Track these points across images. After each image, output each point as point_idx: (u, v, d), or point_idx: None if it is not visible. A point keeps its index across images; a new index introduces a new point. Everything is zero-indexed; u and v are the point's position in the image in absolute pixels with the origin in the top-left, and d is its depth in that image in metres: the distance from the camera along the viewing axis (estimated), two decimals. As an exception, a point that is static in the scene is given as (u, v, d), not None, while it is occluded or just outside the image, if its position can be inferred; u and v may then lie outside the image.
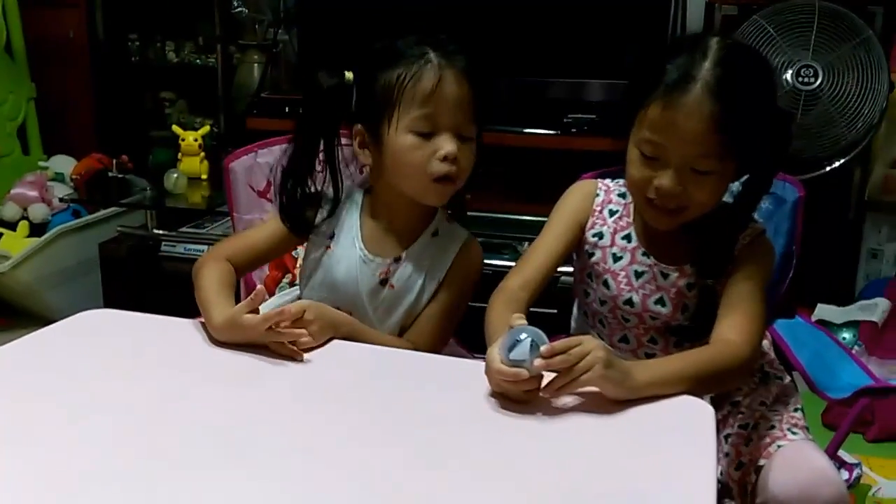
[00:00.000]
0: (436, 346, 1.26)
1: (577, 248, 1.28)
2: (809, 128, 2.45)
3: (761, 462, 1.14)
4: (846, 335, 2.44)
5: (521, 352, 0.94)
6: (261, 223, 1.35)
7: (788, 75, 2.44)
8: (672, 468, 0.86)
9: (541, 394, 0.97)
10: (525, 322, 0.99)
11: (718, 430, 1.19)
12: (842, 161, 2.52)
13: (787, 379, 1.29)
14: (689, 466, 0.86)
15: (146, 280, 2.62)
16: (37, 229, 2.76)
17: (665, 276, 1.20)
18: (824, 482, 1.06)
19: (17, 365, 1.07)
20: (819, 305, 2.54)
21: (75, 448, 0.85)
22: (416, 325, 1.27)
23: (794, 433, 1.17)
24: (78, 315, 1.22)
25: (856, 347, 2.39)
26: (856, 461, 1.24)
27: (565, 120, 2.56)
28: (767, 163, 1.15)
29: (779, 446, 1.14)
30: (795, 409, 1.22)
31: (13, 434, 0.88)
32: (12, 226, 2.76)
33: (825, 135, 2.45)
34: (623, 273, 1.23)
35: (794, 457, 1.11)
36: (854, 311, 2.48)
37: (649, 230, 1.21)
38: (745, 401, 1.22)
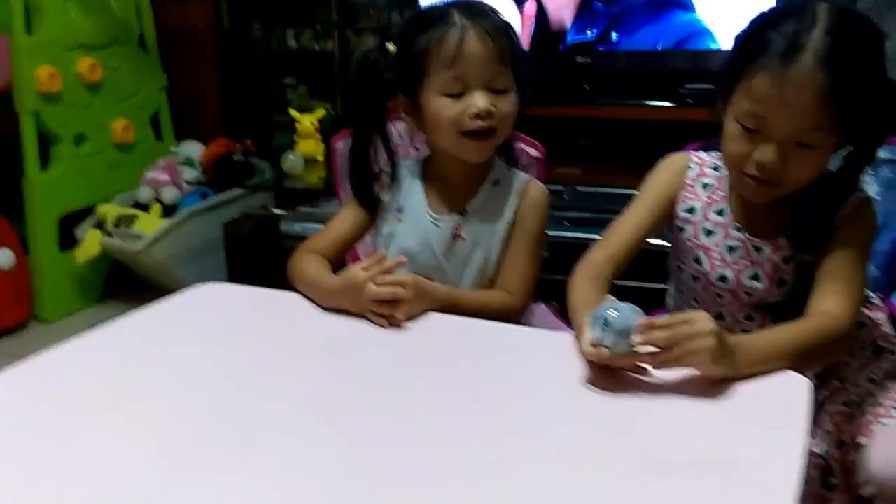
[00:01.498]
0: (527, 288, 1.30)
1: (669, 224, 1.24)
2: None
3: (862, 440, 1.09)
4: None
5: (597, 331, 0.93)
6: (339, 213, 1.42)
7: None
8: (762, 442, 0.84)
9: (641, 364, 0.95)
10: (613, 300, 0.98)
11: (823, 408, 1.15)
12: None
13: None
14: (779, 440, 0.83)
15: (267, 257, 2.73)
16: (168, 211, 2.92)
17: (759, 250, 1.16)
18: None
19: (133, 333, 1.15)
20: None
21: (176, 416, 0.91)
22: (503, 273, 1.31)
23: None
24: (190, 289, 1.29)
25: None
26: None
27: (680, 91, 2.49)
28: (873, 135, 1.09)
29: (882, 425, 1.09)
30: None
31: (112, 401, 0.94)
32: (146, 208, 2.94)
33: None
34: (716, 248, 1.19)
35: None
36: None
37: (744, 203, 1.16)
38: (852, 377, 1.17)
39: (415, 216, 1.34)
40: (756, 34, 1.07)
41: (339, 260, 1.40)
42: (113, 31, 3.07)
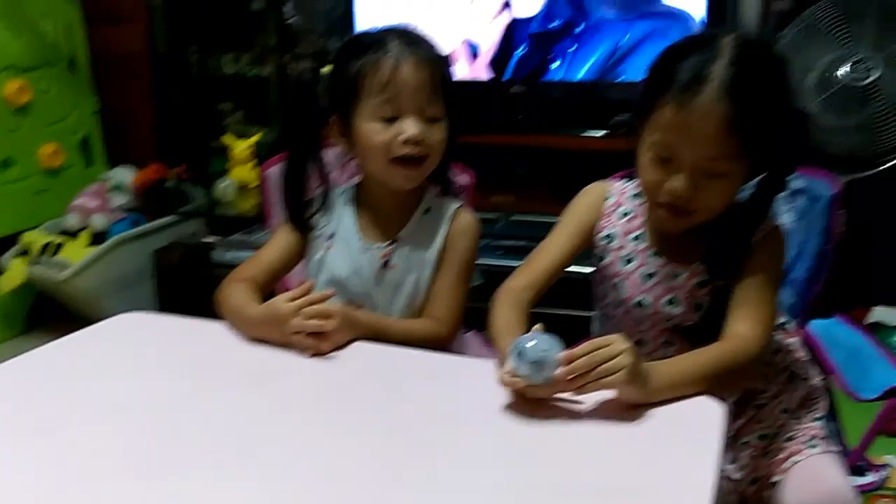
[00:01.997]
0: (455, 316, 1.30)
1: (591, 251, 1.26)
2: (865, 124, 2.37)
3: (776, 478, 1.12)
4: (903, 338, 2.36)
5: (513, 361, 0.94)
6: (270, 240, 1.41)
7: (843, 70, 2.37)
8: (675, 467, 0.85)
9: (561, 394, 0.96)
10: (540, 329, 0.99)
11: (737, 438, 1.17)
12: (901, 157, 2.44)
13: (816, 378, 1.25)
14: (692, 465, 0.84)
15: (198, 286, 2.68)
16: (98, 238, 2.85)
17: (675, 276, 1.18)
18: (838, 502, 1.03)
19: (50, 363, 1.12)
20: (875, 308, 2.46)
21: (92, 447, 0.89)
22: (431, 302, 1.31)
23: (812, 446, 1.14)
24: (112, 319, 1.26)
25: (914, 350, 2.31)
26: (882, 463, 1.19)
27: (612, 121, 2.54)
28: (783, 162, 1.12)
29: (794, 462, 1.12)
30: (817, 419, 1.19)
31: (27, 433, 0.92)
32: (74, 235, 2.86)
33: (882, 131, 2.37)
34: (634, 275, 1.21)
35: (808, 475, 1.09)
36: (913, 314, 2.39)
37: (662, 230, 1.19)
38: (768, 405, 1.20)
39: (345, 243, 1.33)
40: (664, 66, 1.09)
41: (270, 288, 1.37)
42: (43, 52, 3.01)
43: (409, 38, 1.26)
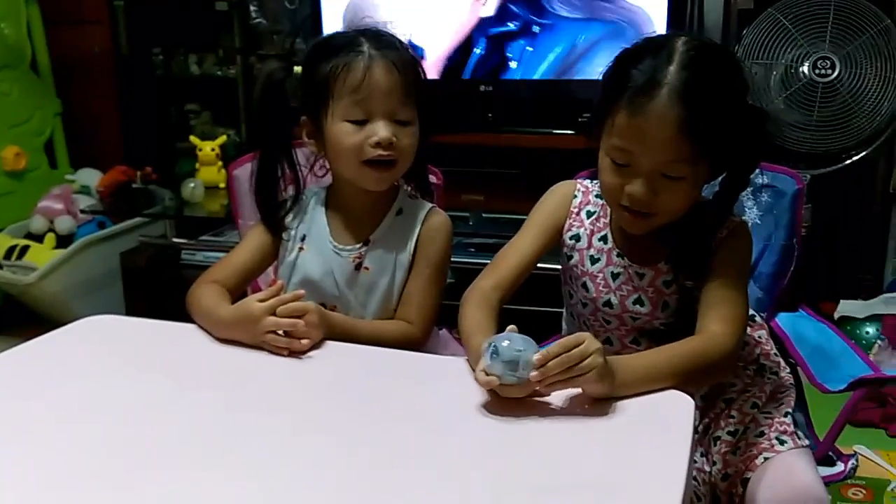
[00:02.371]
0: (426, 318, 1.29)
1: (559, 251, 1.27)
2: (828, 120, 2.42)
3: (748, 475, 1.13)
4: (869, 329, 2.40)
5: (486, 360, 0.95)
6: (242, 242, 1.40)
7: (805, 68, 2.42)
8: (646, 460, 0.86)
9: (535, 388, 0.96)
10: (513, 329, 0.99)
11: (708, 432, 1.19)
12: (863, 153, 2.49)
13: (785, 372, 1.27)
14: (663, 458, 0.85)
15: (166, 288, 2.66)
16: (63, 241, 2.82)
17: (641, 276, 1.19)
18: (809, 500, 1.05)
19: (17, 367, 1.10)
20: (842, 301, 2.50)
21: (59, 450, 0.87)
22: (402, 303, 1.30)
23: (782, 442, 1.15)
24: (79, 321, 1.25)
25: (879, 342, 2.35)
26: (851, 453, 1.21)
27: (580, 119, 2.55)
28: (743, 161, 1.13)
29: (765, 458, 1.13)
30: (786, 414, 1.21)
31: (2, 434, 0.91)
32: (40, 238, 2.83)
33: (845, 127, 2.42)
34: (601, 275, 1.22)
35: (779, 472, 1.10)
36: (878, 305, 2.44)
37: (624, 231, 1.19)
38: (737, 400, 1.20)
39: (318, 245, 1.32)
40: (618, 71, 1.09)
41: (241, 290, 1.36)
42: (3, 55, 2.97)
43: (380, 41, 1.25)
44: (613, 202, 1.13)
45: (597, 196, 1.25)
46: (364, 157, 1.23)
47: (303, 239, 1.34)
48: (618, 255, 1.21)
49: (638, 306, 1.19)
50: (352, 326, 1.23)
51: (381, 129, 1.22)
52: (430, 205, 1.35)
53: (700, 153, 1.05)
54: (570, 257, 1.25)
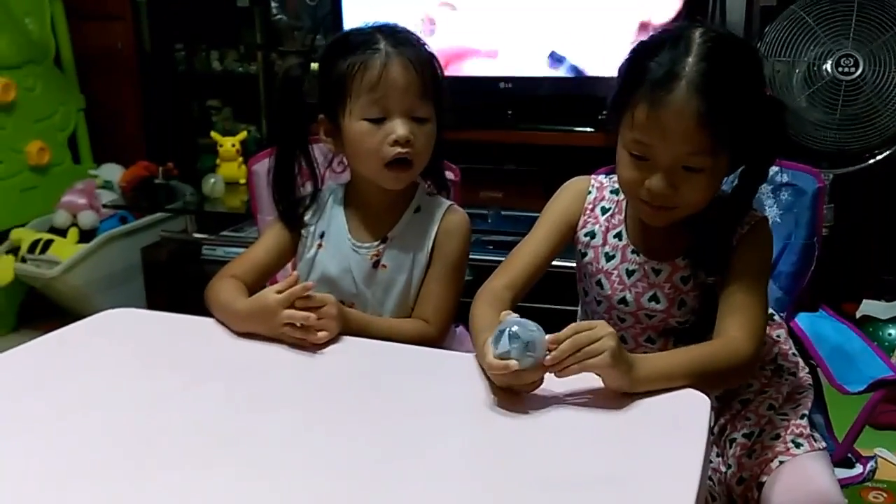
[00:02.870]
0: (444, 317, 1.29)
1: (573, 247, 1.26)
2: (852, 119, 2.39)
3: (763, 478, 1.12)
4: (892, 331, 2.37)
5: (503, 344, 0.94)
6: (260, 238, 1.41)
7: (828, 65, 2.39)
8: (661, 458, 0.85)
9: (547, 372, 0.95)
10: (514, 315, 0.99)
11: (724, 433, 1.18)
12: (887, 152, 2.45)
13: (803, 373, 1.26)
14: (678, 457, 0.85)
15: (187, 283, 2.68)
16: (86, 236, 2.85)
17: (657, 272, 1.18)
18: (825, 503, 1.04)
19: (36, 359, 1.11)
20: (865, 301, 2.47)
21: (74, 442, 0.88)
22: (420, 302, 1.31)
23: (798, 445, 1.15)
24: (98, 315, 1.26)
25: (901, 343, 2.32)
26: (870, 455, 1.20)
27: (600, 117, 2.54)
28: (762, 153, 1.12)
29: (780, 462, 1.12)
30: (802, 416, 1.19)
31: (11, 429, 0.91)
32: (63, 232, 2.85)
33: (869, 126, 2.39)
34: (616, 272, 1.21)
35: (795, 477, 1.09)
36: (900, 307, 2.41)
37: (641, 226, 1.19)
38: (754, 401, 1.19)
39: (336, 242, 1.32)
40: (635, 64, 1.09)
41: (260, 286, 1.36)
42: (28, 50, 3.00)
43: (397, 38, 1.24)
44: (633, 196, 1.13)
45: (612, 192, 1.24)
46: (384, 159, 1.22)
47: (321, 236, 1.34)
48: (633, 252, 1.20)
49: (653, 303, 1.18)
50: (367, 323, 1.23)
51: (398, 127, 1.21)
52: (448, 202, 1.35)
53: (719, 145, 1.04)
54: (585, 254, 1.24)
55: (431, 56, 1.28)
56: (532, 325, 0.95)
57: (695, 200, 1.09)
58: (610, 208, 1.24)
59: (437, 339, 1.28)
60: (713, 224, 1.13)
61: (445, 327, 1.30)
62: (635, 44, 1.11)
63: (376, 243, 1.31)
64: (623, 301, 1.20)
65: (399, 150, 1.22)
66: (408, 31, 1.28)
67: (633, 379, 0.96)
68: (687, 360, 1.02)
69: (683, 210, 1.10)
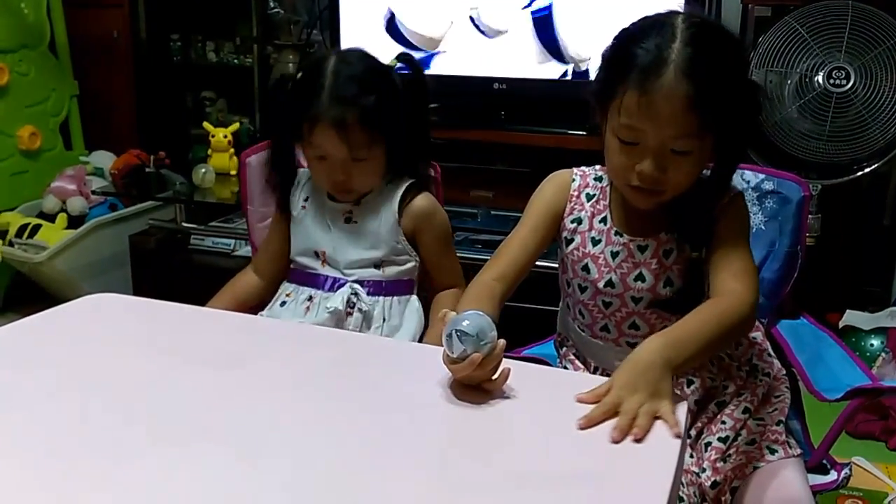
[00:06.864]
0: (461, 274, 1.50)
1: (558, 239, 1.27)
2: (841, 131, 2.40)
3: (736, 483, 1.13)
4: (874, 342, 2.39)
5: (457, 347, 0.94)
6: (270, 230, 1.58)
7: (820, 77, 2.40)
8: (635, 455, 0.85)
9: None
10: (451, 313, 1.00)
11: (700, 437, 1.18)
12: (875, 165, 2.47)
13: (780, 374, 1.27)
14: (652, 455, 0.85)
15: (174, 272, 2.68)
16: (74, 222, 2.84)
17: (642, 249, 1.20)
18: None
19: (18, 340, 1.11)
20: (848, 311, 2.49)
21: (52, 425, 0.88)
22: (439, 275, 1.50)
23: (772, 451, 1.16)
24: (81, 299, 1.26)
25: (883, 354, 2.34)
26: (846, 462, 1.21)
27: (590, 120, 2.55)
28: (740, 133, 1.14)
29: (755, 468, 1.13)
30: (779, 422, 1.20)
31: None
32: (52, 218, 2.85)
33: (858, 138, 2.41)
34: (601, 256, 1.22)
35: (767, 483, 1.10)
36: (883, 318, 2.43)
37: (623, 209, 1.21)
38: (730, 404, 1.19)
39: (317, 200, 1.49)
40: (621, 51, 1.10)
41: (281, 274, 1.54)
42: (22, 35, 2.99)
43: (342, 57, 1.41)
44: (622, 182, 1.14)
45: (595, 179, 1.26)
46: (327, 186, 1.45)
47: (306, 199, 1.51)
48: (616, 234, 1.21)
49: (639, 282, 1.19)
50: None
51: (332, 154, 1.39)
52: (408, 182, 1.46)
53: (705, 127, 1.07)
54: (571, 241, 1.25)
55: (380, 76, 1.42)
56: (470, 314, 0.97)
57: (682, 181, 1.11)
58: (595, 195, 1.25)
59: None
60: (696, 200, 1.16)
61: (464, 282, 1.41)
62: (618, 32, 1.13)
63: (350, 204, 1.46)
64: (609, 283, 1.21)
65: (337, 178, 1.41)
66: (359, 54, 1.43)
67: (672, 369, 0.96)
68: (696, 323, 1.03)
69: (671, 192, 1.12)
